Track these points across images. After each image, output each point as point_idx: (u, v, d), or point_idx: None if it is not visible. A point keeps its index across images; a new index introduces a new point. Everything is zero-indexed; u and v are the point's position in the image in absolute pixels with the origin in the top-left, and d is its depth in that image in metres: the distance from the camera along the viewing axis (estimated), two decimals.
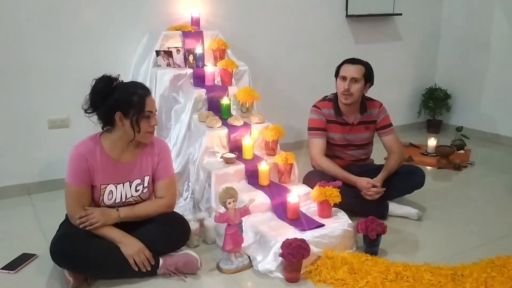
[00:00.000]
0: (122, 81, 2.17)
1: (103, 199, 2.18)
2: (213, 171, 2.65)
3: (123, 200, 2.21)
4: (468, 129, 4.42)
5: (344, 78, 2.82)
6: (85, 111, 2.12)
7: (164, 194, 2.28)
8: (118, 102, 2.09)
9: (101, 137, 2.18)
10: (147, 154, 2.25)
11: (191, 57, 3.25)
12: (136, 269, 2.09)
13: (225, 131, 2.87)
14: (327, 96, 3.01)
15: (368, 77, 2.86)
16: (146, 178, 2.25)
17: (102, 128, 2.18)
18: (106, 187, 2.17)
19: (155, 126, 2.21)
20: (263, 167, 2.65)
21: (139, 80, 3.23)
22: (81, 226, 2.09)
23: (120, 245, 2.09)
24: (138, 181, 2.24)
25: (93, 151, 2.14)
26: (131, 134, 2.13)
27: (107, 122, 2.14)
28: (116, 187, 2.19)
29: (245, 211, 2.26)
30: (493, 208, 3.05)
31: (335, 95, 2.94)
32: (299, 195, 2.49)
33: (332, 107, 2.92)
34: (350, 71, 2.81)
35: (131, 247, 2.09)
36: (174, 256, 2.19)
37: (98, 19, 3.29)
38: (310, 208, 2.58)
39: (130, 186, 2.22)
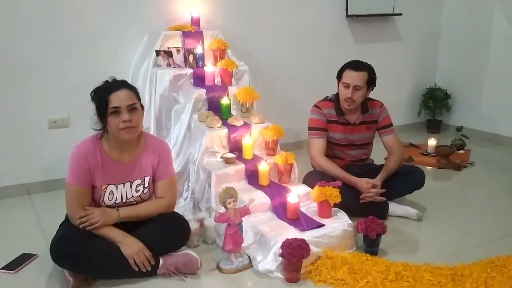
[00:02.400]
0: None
1: (103, 200, 2.18)
2: (213, 171, 2.65)
3: (124, 200, 2.21)
4: (468, 129, 4.42)
5: (347, 85, 2.80)
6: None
7: (164, 194, 2.28)
8: (95, 105, 2.11)
9: (102, 137, 2.18)
10: (147, 154, 2.25)
11: (191, 57, 3.25)
12: (136, 269, 2.09)
13: (225, 131, 2.87)
14: (327, 96, 3.01)
15: (371, 81, 2.84)
16: (147, 178, 2.25)
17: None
18: (106, 188, 2.17)
19: (133, 122, 2.09)
20: (263, 167, 2.65)
21: (139, 80, 3.24)
22: (81, 226, 2.09)
23: (120, 245, 2.09)
24: (139, 181, 2.24)
25: (94, 151, 2.14)
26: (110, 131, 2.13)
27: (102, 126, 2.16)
28: (116, 187, 2.19)
29: (245, 211, 2.26)
30: (493, 208, 3.05)
31: (336, 95, 2.94)
32: (299, 195, 2.49)
33: (333, 107, 2.92)
34: (353, 78, 2.78)
35: (131, 247, 2.09)
36: (174, 256, 2.19)
37: (98, 19, 3.29)
38: (310, 208, 2.57)
39: (131, 186, 2.22)
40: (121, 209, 2.18)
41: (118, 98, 2.08)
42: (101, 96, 2.08)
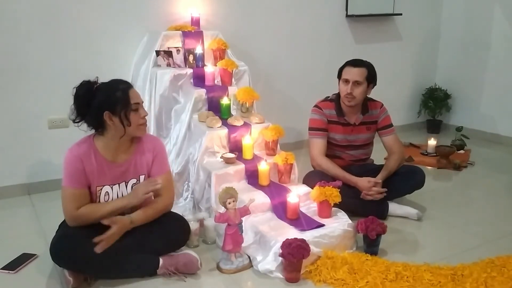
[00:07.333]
0: (101, 82, 2.14)
1: (99, 201, 2.17)
2: (213, 171, 2.65)
3: None
4: (468, 129, 4.41)
5: (346, 81, 2.81)
6: (73, 121, 2.11)
7: (161, 192, 2.25)
8: (103, 102, 2.07)
9: (95, 138, 2.16)
10: (141, 153, 2.24)
11: (191, 57, 3.25)
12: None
13: (225, 131, 2.87)
14: (328, 96, 3.01)
15: (371, 78, 2.85)
16: (142, 177, 2.25)
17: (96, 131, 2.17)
18: (101, 189, 2.16)
19: (146, 118, 2.18)
20: (263, 167, 2.65)
21: (139, 80, 3.24)
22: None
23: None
24: (134, 180, 2.23)
25: (88, 153, 2.12)
26: (122, 130, 2.11)
27: (98, 125, 2.12)
28: (112, 188, 2.18)
29: (245, 211, 2.26)
30: (493, 208, 3.05)
31: (337, 95, 2.94)
32: (299, 195, 2.49)
33: (334, 108, 2.92)
34: (353, 74, 2.80)
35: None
36: (174, 256, 2.19)
37: (98, 19, 3.29)
38: (310, 208, 2.58)
39: (126, 186, 2.21)
40: (133, 216, 2.14)
41: (136, 95, 2.14)
42: (124, 92, 2.08)
